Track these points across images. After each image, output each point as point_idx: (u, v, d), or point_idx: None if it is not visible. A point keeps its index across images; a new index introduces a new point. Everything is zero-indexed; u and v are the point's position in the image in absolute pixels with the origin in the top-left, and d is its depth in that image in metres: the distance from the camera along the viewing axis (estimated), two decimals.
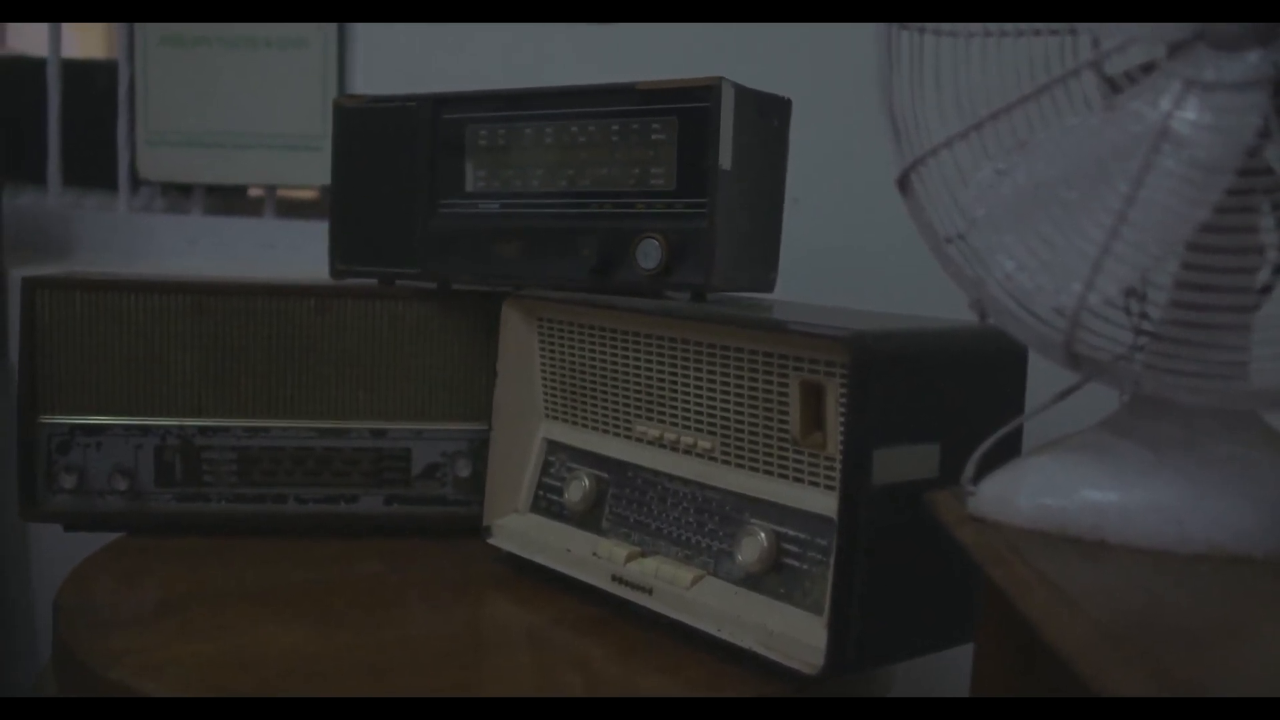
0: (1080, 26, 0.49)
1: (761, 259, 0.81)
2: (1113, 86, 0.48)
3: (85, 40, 2.22)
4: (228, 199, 1.43)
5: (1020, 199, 0.50)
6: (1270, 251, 0.51)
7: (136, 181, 1.36)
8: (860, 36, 1.04)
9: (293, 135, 1.32)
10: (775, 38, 1.12)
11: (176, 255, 1.35)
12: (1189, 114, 0.46)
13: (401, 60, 1.23)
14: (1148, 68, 0.47)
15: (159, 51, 1.32)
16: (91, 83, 1.43)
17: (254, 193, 1.43)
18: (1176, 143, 0.45)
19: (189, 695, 0.60)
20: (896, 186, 0.53)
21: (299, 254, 1.34)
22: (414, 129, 0.85)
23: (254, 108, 1.32)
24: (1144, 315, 0.52)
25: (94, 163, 1.38)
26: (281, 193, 1.39)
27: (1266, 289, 0.52)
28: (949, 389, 0.63)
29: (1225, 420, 0.51)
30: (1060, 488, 0.51)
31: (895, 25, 0.53)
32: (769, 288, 0.82)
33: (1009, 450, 0.56)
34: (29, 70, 1.42)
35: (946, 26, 0.52)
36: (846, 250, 1.10)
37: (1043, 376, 0.66)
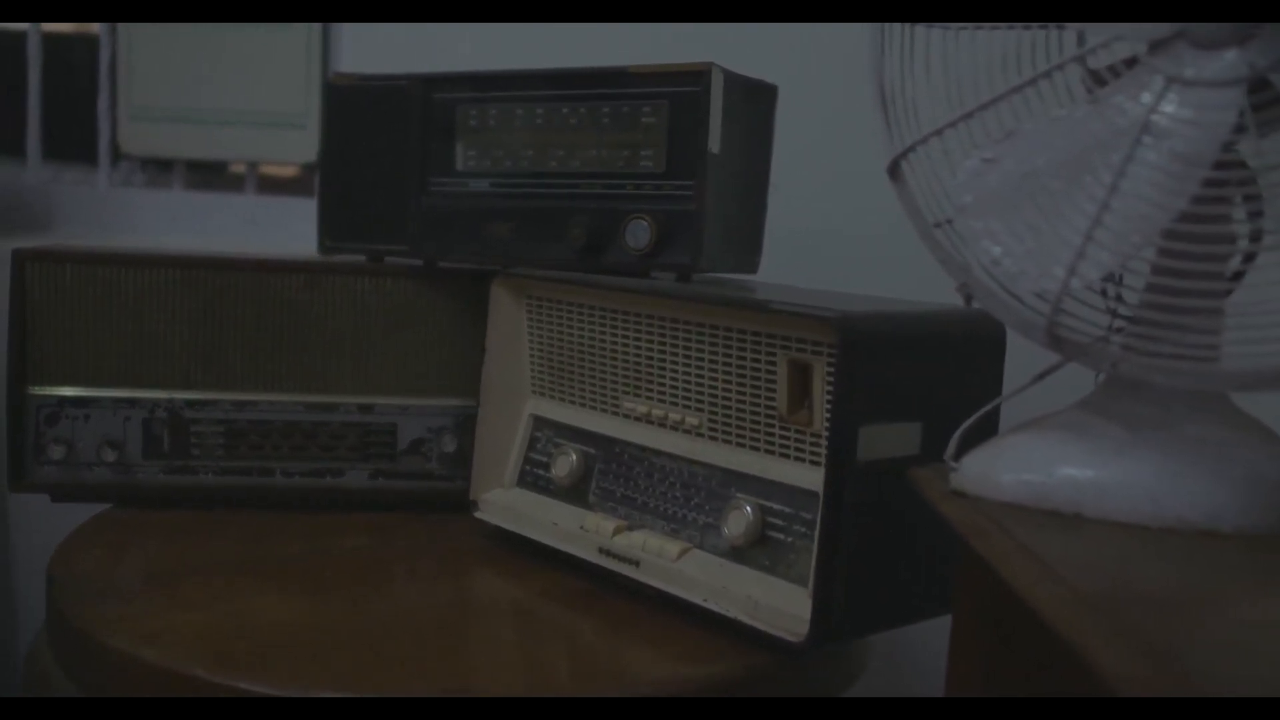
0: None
1: (746, 241, 0.83)
2: (1096, 79, 0.50)
3: None
4: (207, 175, 1.43)
5: (1007, 187, 0.52)
6: (1241, 240, 0.54)
7: (116, 156, 1.36)
8: (840, 25, 1.06)
9: (276, 112, 1.32)
10: (758, 26, 1.13)
11: (157, 230, 1.35)
12: (1169, 108, 0.48)
13: (389, 39, 1.23)
14: (1130, 62, 0.50)
15: (142, 26, 1.31)
16: (72, 56, 1.42)
17: (234, 169, 1.43)
18: (1157, 136, 0.48)
19: (187, 661, 0.61)
20: (887, 173, 0.54)
21: (282, 230, 1.34)
22: (405, 108, 0.86)
23: (238, 84, 1.32)
24: (1119, 299, 0.54)
25: (73, 136, 1.37)
26: (261, 170, 1.39)
27: (1237, 275, 0.54)
28: (931, 369, 0.65)
29: (1196, 401, 0.53)
30: (1039, 464, 0.53)
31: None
32: (753, 269, 0.84)
33: (987, 429, 0.59)
34: (8, 43, 1.41)
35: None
36: (824, 234, 1.12)
37: (1019, 358, 0.68)
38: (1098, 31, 0.50)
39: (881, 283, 0.91)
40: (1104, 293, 0.54)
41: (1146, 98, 0.48)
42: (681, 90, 0.76)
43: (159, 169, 1.41)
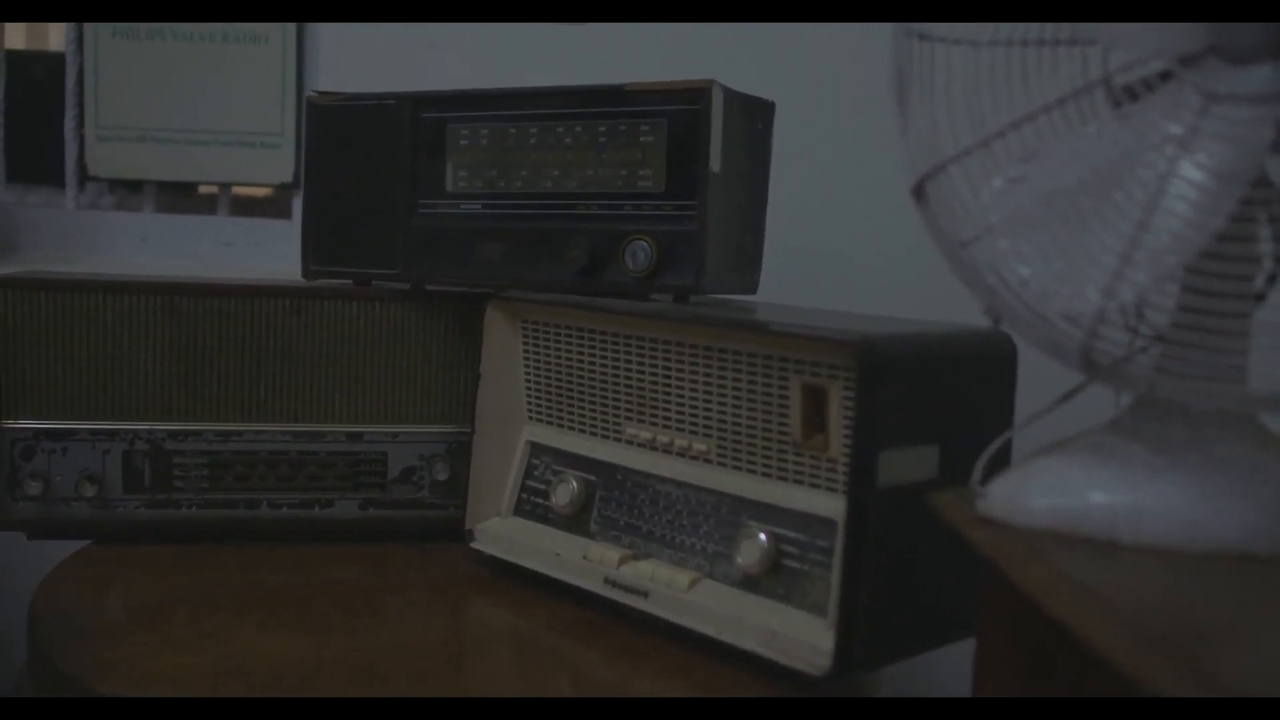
0: (1093, 34, 0.50)
1: (746, 261, 0.81)
2: (1129, 94, 0.49)
3: (8, 31, 2.15)
4: (176, 196, 1.40)
5: (1035, 206, 0.51)
6: (1265, 260, 0.53)
7: (83, 177, 1.32)
8: (839, 40, 1.05)
9: (250, 132, 1.29)
10: (758, 40, 1.12)
11: (128, 253, 1.31)
12: (1206, 124, 0.47)
13: (365, 57, 1.21)
14: (1164, 76, 0.49)
15: (110, 44, 1.28)
16: (36, 74, 1.38)
17: (205, 190, 1.40)
18: (1195, 153, 0.47)
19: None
20: (911, 194, 0.53)
21: (259, 252, 1.31)
22: (392, 127, 0.84)
23: (210, 103, 1.29)
24: (1140, 317, 0.53)
25: (38, 157, 1.33)
26: (235, 190, 1.36)
27: (1260, 296, 0.53)
28: (946, 390, 0.64)
29: (1226, 422, 0.52)
30: (1070, 488, 0.52)
31: (907, 34, 0.53)
32: (752, 289, 0.82)
33: (1000, 451, 0.58)
34: None
35: (960, 31, 0.53)
36: (820, 252, 1.11)
37: (1027, 377, 0.67)
38: (1126, 47, 0.50)
39: (879, 300, 0.90)
40: (1123, 312, 0.53)
41: (1182, 113, 0.47)
42: (681, 108, 0.74)
43: (128, 190, 1.37)
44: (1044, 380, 0.59)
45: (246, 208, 1.39)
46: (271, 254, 1.30)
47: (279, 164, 1.29)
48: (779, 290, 0.90)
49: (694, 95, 0.74)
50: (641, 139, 0.76)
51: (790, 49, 1.11)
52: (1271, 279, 0.53)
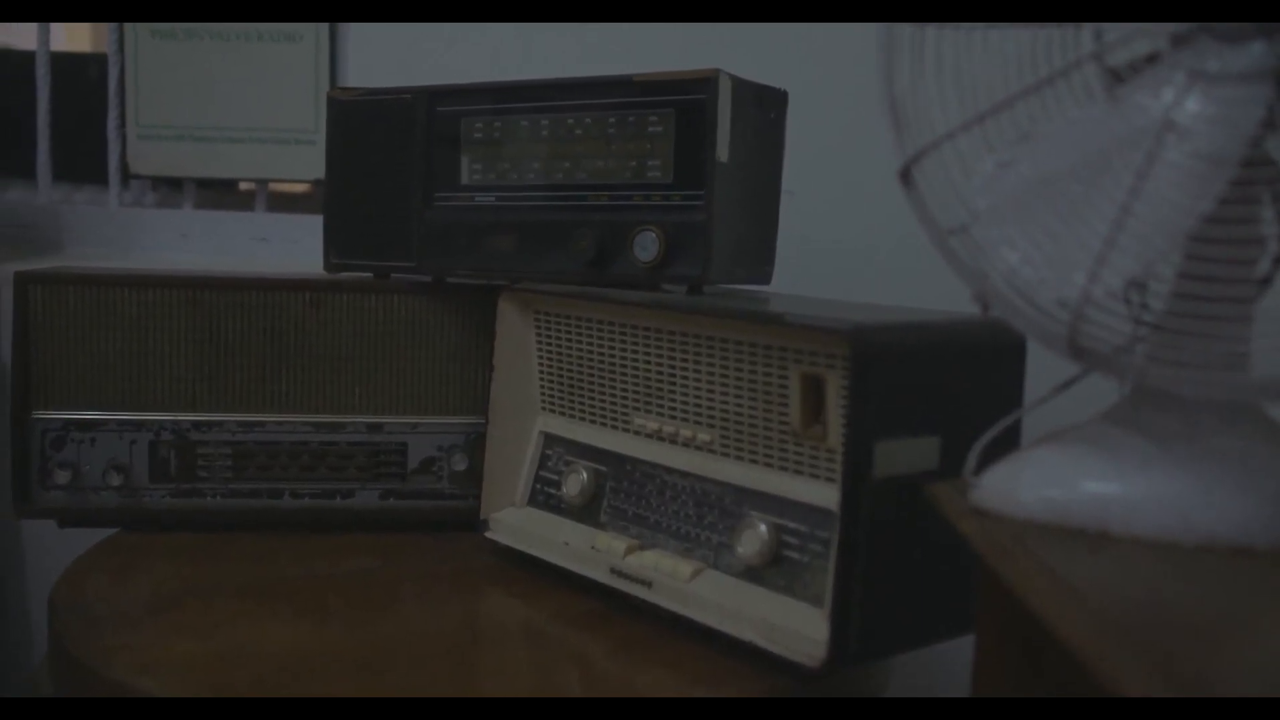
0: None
1: (758, 251, 0.81)
2: (1116, 77, 0.48)
3: (71, 33, 2.22)
4: (218, 193, 1.42)
5: (1024, 191, 0.50)
6: (1270, 243, 0.51)
7: (126, 176, 1.35)
8: (855, 27, 1.04)
9: (285, 129, 1.31)
10: (770, 31, 1.11)
11: (168, 250, 1.34)
12: (1193, 105, 0.45)
13: (394, 54, 1.22)
14: (1151, 58, 0.47)
15: (150, 44, 1.31)
16: (81, 76, 1.41)
17: (245, 186, 1.42)
18: (1180, 134, 0.45)
19: (185, 692, 0.60)
20: (899, 179, 0.52)
21: (293, 248, 1.33)
22: (409, 121, 0.85)
23: (246, 101, 1.31)
24: (1144, 306, 0.52)
25: (84, 157, 1.37)
26: (273, 187, 1.38)
27: (1265, 280, 0.52)
28: (949, 381, 0.63)
29: (1226, 412, 0.51)
30: (1063, 479, 0.51)
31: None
32: (765, 280, 0.82)
33: (1008, 442, 0.56)
34: (17, 63, 1.41)
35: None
36: (842, 243, 1.10)
37: (1041, 368, 0.66)
38: (1116, 28, 0.48)
39: (902, 292, 0.89)
40: (1127, 299, 0.52)
41: (1168, 94, 0.46)
42: (688, 98, 0.74)
43: (171, 188, 1.40)
44: (1056, 370, 0.57)
45: (285, 203, 1.41)
46: (305, 249, 1.31)
47: (314, 159, 1.31)
48: (806, 284, 0.89)
49: (701, 84, 0.73)
50: (650, 129, 0.75)
51: (811, 38, 1.10)
52: (1277, 261, 0.52)
